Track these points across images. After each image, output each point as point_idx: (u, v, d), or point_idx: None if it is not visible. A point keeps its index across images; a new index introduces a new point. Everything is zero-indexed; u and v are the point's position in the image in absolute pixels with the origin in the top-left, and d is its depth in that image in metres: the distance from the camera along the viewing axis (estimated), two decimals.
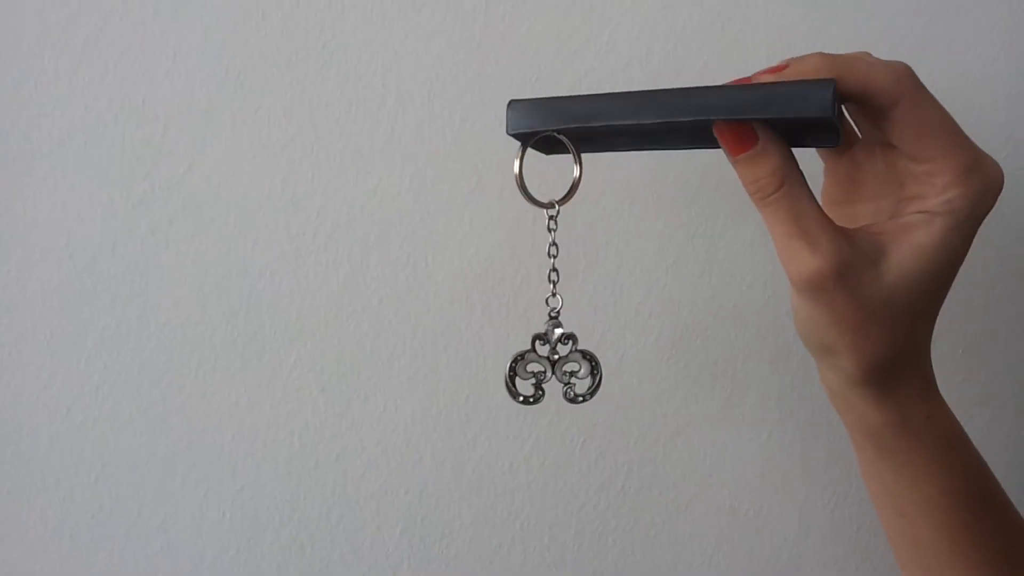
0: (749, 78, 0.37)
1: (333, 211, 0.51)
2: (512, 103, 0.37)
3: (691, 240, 0.53)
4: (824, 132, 0.38)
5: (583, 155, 0.40)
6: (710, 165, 0.53)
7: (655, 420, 0.53)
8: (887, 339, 0.37)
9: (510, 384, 0.41)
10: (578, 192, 0.52)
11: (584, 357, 0.42)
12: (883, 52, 0.51)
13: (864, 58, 0.36)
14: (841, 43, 0.54)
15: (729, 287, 0.54)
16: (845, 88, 0.34)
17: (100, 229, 0.51)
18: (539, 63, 0.52)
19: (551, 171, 0.41)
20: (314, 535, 0.51)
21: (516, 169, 0.39)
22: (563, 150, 0.40)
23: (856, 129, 0.41)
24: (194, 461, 0.51)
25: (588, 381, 0.42)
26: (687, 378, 0.53)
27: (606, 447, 0.53)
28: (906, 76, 0.35)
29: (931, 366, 0.40)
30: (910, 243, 0.35)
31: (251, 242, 0.51)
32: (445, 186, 0.52)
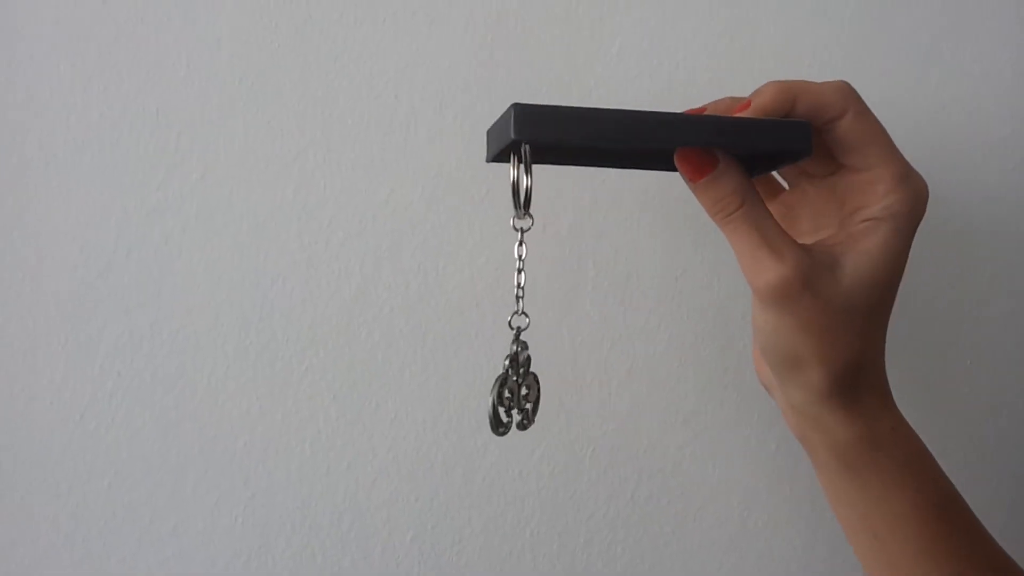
0: (703, 108, 0.40)
1: (345, 220, 0.52)
2: (517, 106, 0.36)
3: (698, 250, 0.54)
4: (779, 161, 0.41)
5: (545, 165, 0.41)
6: None
7: (664, 430, 0.53)
8: (851, 344, 0.39)
9: (495, 413, 0.40)
10: (586, 204, 0.52)
11: (535, 379, 0.41)
12: (890, 63, 0.52)
13: (813, 83, 0.39)
14: (849, 56, 0.54)
15: (737, 297, 0.54)
16: (802, 107, 0.38)
17: (114, 236, 0.51)
18: (550, 74, 0.53)
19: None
20: (325, 542, 0.52)
21: (515, 176, 0.38)
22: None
23: (782, 180, 0.44)
24: (206, 468, 0.51)
25: (534, 404, 0.41)
26: (696, 388, 0.54)
27: (615, 456, 0.53)
28: (849, 91, 0.38)
29: (887, 380, 0.41)
30: (860, 250, 0.38)
31: (263, 250, 0.51)
32: (456, 196, 0.52)
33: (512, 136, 0.35)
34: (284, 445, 0.52)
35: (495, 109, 0.52)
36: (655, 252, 0.53)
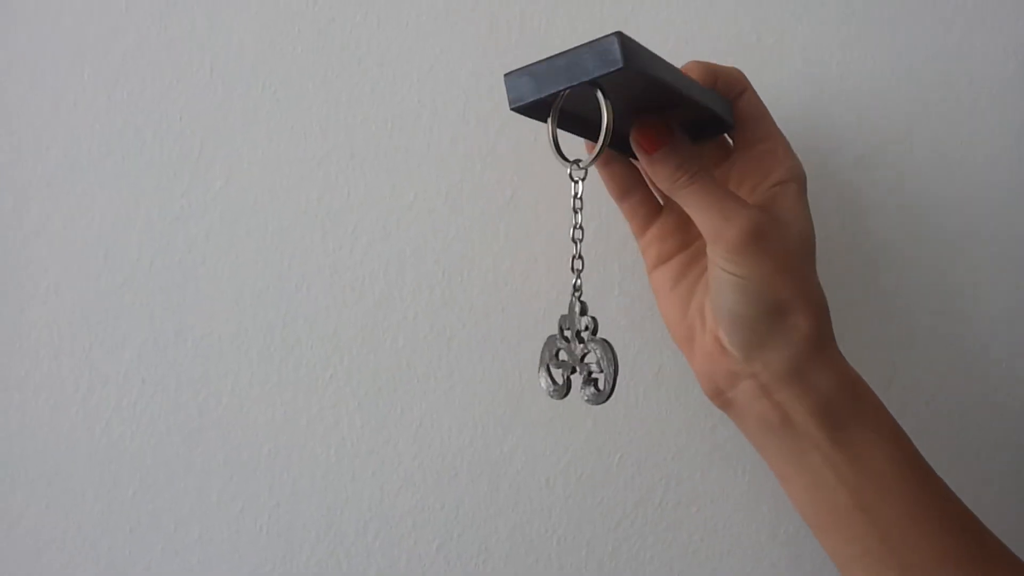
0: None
1: (369, 225, 0.51)
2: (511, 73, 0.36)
3: None
4: (712, 128, 0.44)
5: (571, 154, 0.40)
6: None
7: (693, 435, 0.53)
8: (817, 288, 0.42)
9: (550, 371, 0.39)
10: (612, 207, 0.52)
11: (604, 347, 0.40)
12: (892, 64, 0.51)
13: (711, 64, 0.43)
14: (848, 57, 0.54)
15: None
16: (721, 83, 0.42)
17: (138, 243, 0.51)
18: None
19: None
20: (350, 550, 0.51)
21: (552, 130, 0.37)
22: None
23: (659, 198, 0.47)
24: (231, 475, 0.51)
25: (609, 376, 0.39)
26: None
27: (643, 462, 0.52)
28: (742, 75, 0.43)
29: None
30: (784, 207, 0.41)
31: (287, 257, 0.51)
32: (480, 200, 0.52)
33: (621, 64, 0.33)
34: (309, 452, 0.51)
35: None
36: None
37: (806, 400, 0.40)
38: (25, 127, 0.50)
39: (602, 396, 0.39)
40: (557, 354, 0.40)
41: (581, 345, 0.39)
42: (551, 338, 0.40)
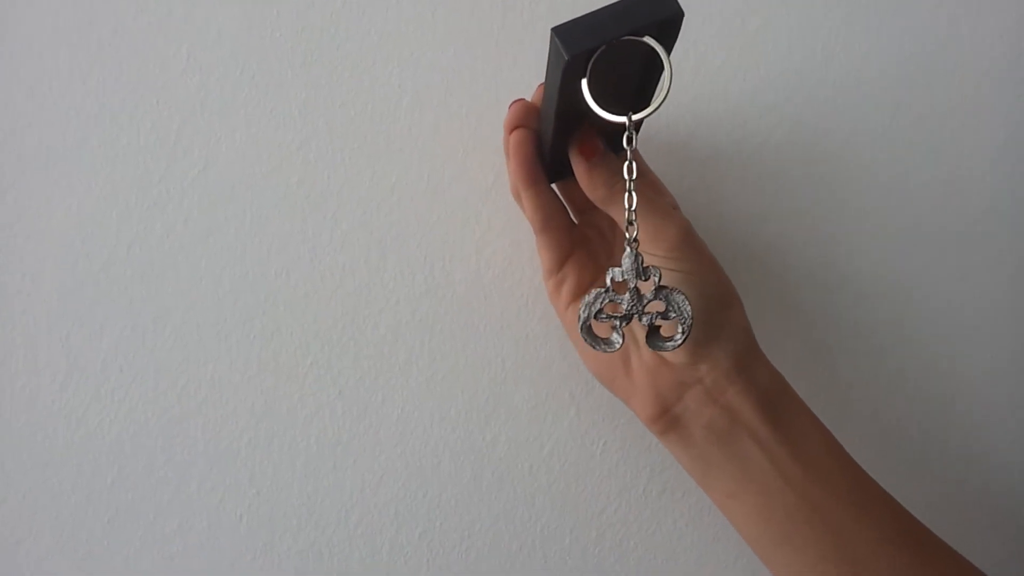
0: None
1: (349, 212, 0.51)
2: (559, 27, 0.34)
3: (711, 245, 0.53)
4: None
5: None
6: (746, 189, 0.52)
7: None
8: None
9: (586, 323, 0.38)
10: None
11: (670, 295, 0.38)
12: (895, 66, 0.50)
13: None
14: (851, 60, 0.53)
15: (754, 286, 0.53)
16: None
17: (115, 230, 0.50)
18: None
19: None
20: (332, 539, 0.51)
21: (586, 89, 0.34)
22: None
23: (574, 219, 0.48)
24: (210, 465, 0.51)
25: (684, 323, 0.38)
26: None
27: (628, 449, 0.52)
28: None
29: None
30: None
31: (267, 243, 0.51)
32: (463, 186, 0.51)
33: (677, 9, 0.33)
34: (289, 441, 0.51)
35: (500, 97, 0.51)
36: None
37: (750, 396, 0.41)
38: (0, 112, 0.50)
39: (675, 342, 0.38)
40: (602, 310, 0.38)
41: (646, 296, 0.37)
42: (599, 293, 0.38)
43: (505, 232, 0.51)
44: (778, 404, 0.41)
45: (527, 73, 0.51)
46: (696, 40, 0.52)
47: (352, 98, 0.51)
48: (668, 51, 0.34)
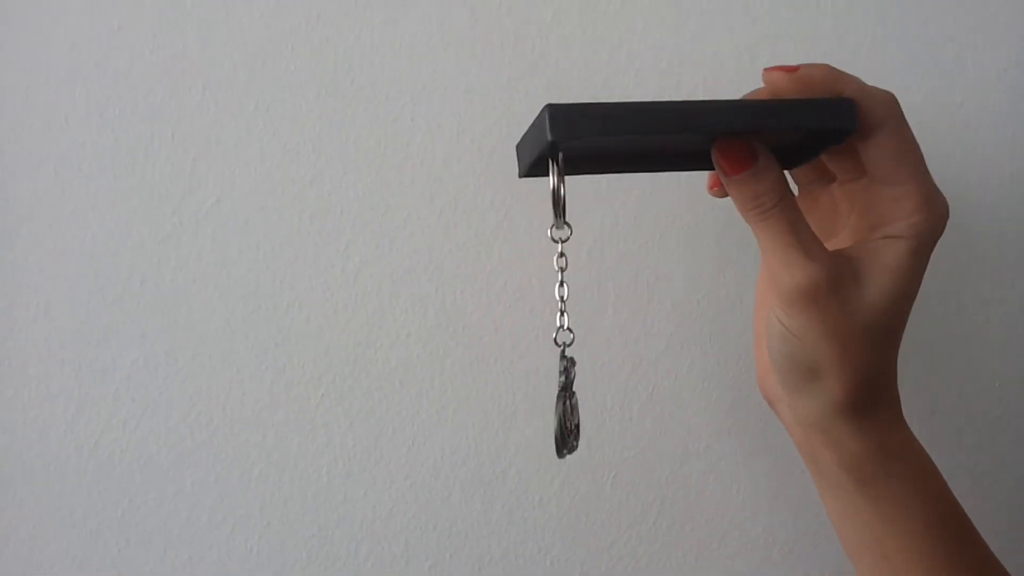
0: (763, 90, 0.38)
1: (362, 245, 0.51)
2: (552, 106, 0.35)
3: (721, 272, 0.53)
4: (808, 152, 0.40)
5: (570, 177, 0.40)
6: None
7: (687, 455, 0.52)
8: (869, 357, 0.38)
9: (563, 432, 0.39)
10: (607, 225, 0.52)
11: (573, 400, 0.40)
12: (905, 72, 0.51)
13: (861, 82, 0.37)
14: (859, 63, 0.54)
15: None
16: (863, 105, 0.36)
17: (129, 263, 0.50)
18: (569, 97, 0.52)
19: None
20: (342, 571, 0.51)
21: (555, 184, 0.36)
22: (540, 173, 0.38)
23: (793, 182, 0.43)
24: (221, 496, 0.51)
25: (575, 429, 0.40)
26: (720, 412, 0.53)
27: (638, 482, 0.52)
28: (893, 104, 0.37)
29: (898, 394, 0.41)
30: (880, 265, 0.37)
31: (279, 276, 0.51)
32: (474, 220, 0.52)
33: (549, 138, 0.34)
34: (300, 473, 0.51)
35: (512, 132, 0.52)
36: (677, 274, 0.52)
37: (833, 452, 0.40)
38: (16, 144, 0.50)
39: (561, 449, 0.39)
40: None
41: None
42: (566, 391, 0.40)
43: (517, 265, 0.52)
44: (868, 470, 0.39)
45: (538, 107, 0.52)
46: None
47: (365, 133, 0.51)
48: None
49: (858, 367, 0.38)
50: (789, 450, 0.53)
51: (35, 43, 0.50)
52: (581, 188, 0.50)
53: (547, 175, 0.39)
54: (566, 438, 0.39)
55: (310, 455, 0.51)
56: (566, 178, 0.36)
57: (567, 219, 0.37)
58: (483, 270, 0.51)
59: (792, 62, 0.51)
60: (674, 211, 0.52)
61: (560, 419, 0.39)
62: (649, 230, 0.52)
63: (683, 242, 0.53)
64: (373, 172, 0.51)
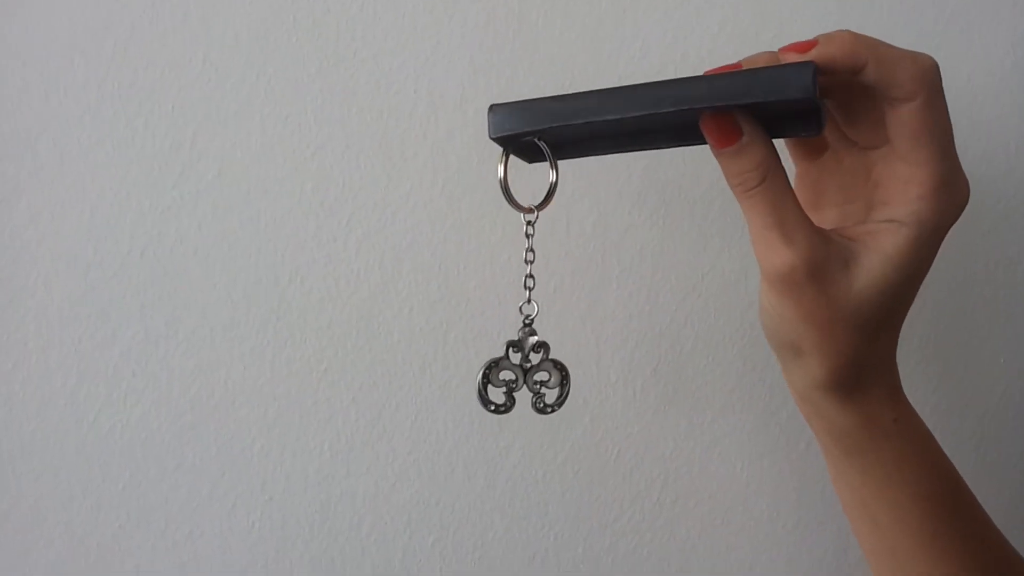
0: (739, 63, 0.37)
1: (364, 217, 0.51)
2: (493, 107, 0.38)
3: (725, 248, 0.53)
4: (804, 122, 0.37)
5: (569, 160, 0.41)
6: None
7: (691, 430, 0.52)
8: (853, 344, 0.37)
9: (482, 391, 0.41)
10: (610, 201, 0.51)
11: (555, 367, 0.42)
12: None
13: (892, 47, 0.35)
14: None
15: None
16: (871, 75, 0.34)
17: (128, 235, 0.50)
18: (572, 68, 0.52)
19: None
20: (344, 546, 0.51)
21: (500, 174, 0.39)
22: (543, 157, 0.39)
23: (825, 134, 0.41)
24: (222, 471, 0.50)
25: (557, 391, 0.42)
26: (723, 388, 0.52)
27: (641, 458, 0.52)
28: (929, 74, 0.34)
29: (897, 373, 0.40)
30: (878, 250, 0.36)
31: (281, 249, 0.50)
32: (477, 192, 0.51)
33: (490, 135, 0.38)
34: (302, 447, 0.51)
35: None
36: (681, 250, 0.52)
37: (820, 421, 0.40)
38: (15, 117, 0.49)
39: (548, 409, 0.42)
40: (499, 375, 0.42)
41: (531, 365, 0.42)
42: (495, 361, 0.42)
43: (519, 238, 0.51)
44: (855, 443, 0.39)
45: (543, 79, 0.51)
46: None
47: (367, 104, 0.51)
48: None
49: (841, 350, 0.37)
50: (793, 426, 0.53)
51: (34, 14, 0.50)
52: (584, 163, 0.49)
53: (531, 160, 0.42)
54: (484, 397, 0.42)
55: (312, 429, 0.51)
56: (558, 163, 0.40)
57: (550, 203, 0.41)
58: (486, 243, 0.51)
59: (797, 38, 0.50)
60: (678, 185, 0.52)
61: (479, 379, 0.41)
62: (653, 205, 0.52)
63: (687, 217, 0.52)
64: (375, 144, 0.51)
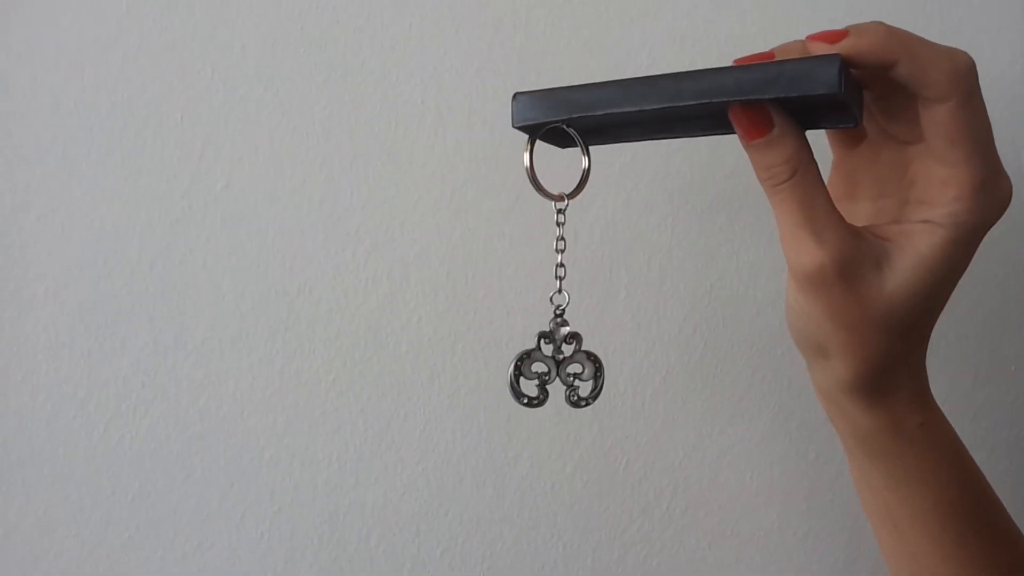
0: (771, 52, 0.36)
1: (372, 228, 0.51)
2: (517, 95, 0.37)
3: (734, 256, 0.52)
4: (840, 113, 0.36)
5: (598, 146, 0.40)
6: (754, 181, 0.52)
7: (700, 440, 0.52)
8: (881, 345, 0.36)
9: (514, 384, 0.40)
10: (619, 209, 0.51)
11: (588, 358, 0.41)
12: None
13: (927, 43, 0.33)
14: None
15: (775, 304, 0.53)
16: (903, 71, 0.33)
17: (138, 246, 0.50)
18: (580, 79, 0.51)
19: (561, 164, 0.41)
20: (353, 557, 0.51)
21: (526, 162, 0.39)
22: (574, 143, 0.39)
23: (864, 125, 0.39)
24: (231, 482, 0.50)
25: (591, 384, 0.40)
26: (733, 397, 0.52)
27: (650, 467, 0.52)
28: (964, 74, 0.33)
29: (926, 376, 0.39)
30: (912, 252, 0.35)
31: (289, 260, 0.51)
32: (485, 202, 0.51)
33: (513, 125, 0.37)
34: (311, 458, 0.51)
35: None
36: (689, 258, 0.52)
37: (844, 423, 0.39)
38: (25, 128, 0.50)
39: (583, 401, 0.41)
40: (531, 366, 0.41)
41: (563, 356, 0.41)
42: (526, 352, 0.41)
43: (528, 249, 0.51)
44: (879, 446, 0.38)
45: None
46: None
47: (375, 115, 0.51)
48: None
49: (869, 352, 0.36)
50: (802, 435, 0.53)
51: (42, 26, 0.50)
52: (592, 171, 0.49)
53: (564, 146, 0.41)
54: (516, 389, 0.40)
55: (321, 440, 0.51)
56: (591, 148, 0.39)
57: (568, 192, 0.40)
58: (494, 253, 0.51)
59: (800, 35, 0.50)
60: (686, 194, 0.52)
61: (511, 371, 0.40)
62: (661, 213, 0.52)
63: (696, 225, 0.52)
64: (383, 155, 0.51)
